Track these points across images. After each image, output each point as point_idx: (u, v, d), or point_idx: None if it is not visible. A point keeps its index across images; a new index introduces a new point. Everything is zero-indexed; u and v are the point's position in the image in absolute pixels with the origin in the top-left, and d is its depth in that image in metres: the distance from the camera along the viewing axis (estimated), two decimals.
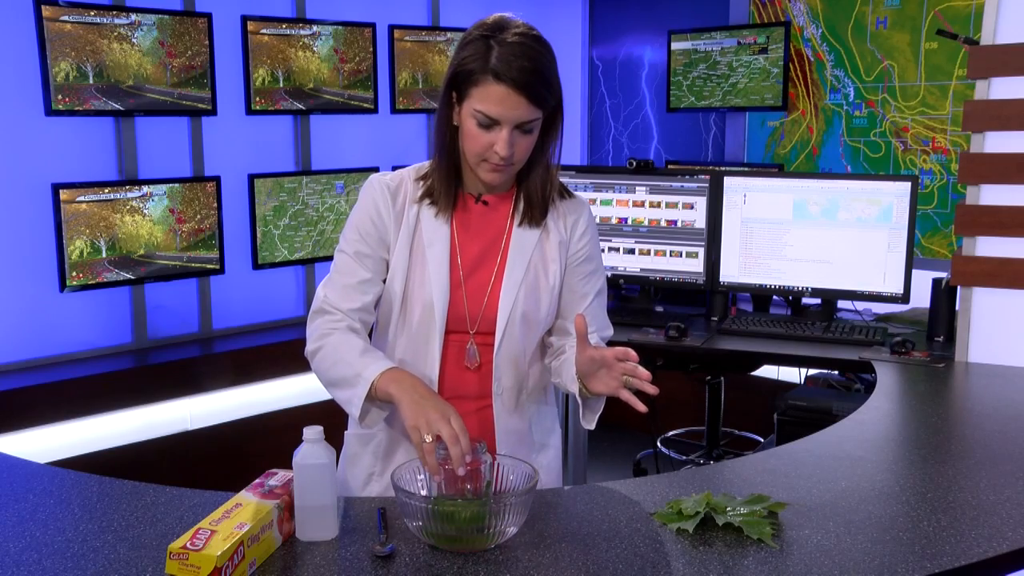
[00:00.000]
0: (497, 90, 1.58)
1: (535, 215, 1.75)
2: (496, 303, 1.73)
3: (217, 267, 3.75)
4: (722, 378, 3.99)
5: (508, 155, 1.62)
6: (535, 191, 1.75)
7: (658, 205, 3.33)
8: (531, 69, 1.58)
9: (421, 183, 1.76)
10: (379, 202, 1.74)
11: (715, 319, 3.26)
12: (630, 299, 3.50)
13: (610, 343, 1.75)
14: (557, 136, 1.73)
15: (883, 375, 2.54)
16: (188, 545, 1.31)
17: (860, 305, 3.27)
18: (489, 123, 1.61)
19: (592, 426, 1.72)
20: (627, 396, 1.55)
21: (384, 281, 1.76)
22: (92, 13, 3.33)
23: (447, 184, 1.73)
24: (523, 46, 1.60)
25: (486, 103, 1.59)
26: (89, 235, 3.39)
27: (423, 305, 1.72)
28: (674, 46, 4.59)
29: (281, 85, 3.87)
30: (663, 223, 3.33)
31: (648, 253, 3.36)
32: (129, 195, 3.47)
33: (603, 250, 3.39)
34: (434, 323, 1.72)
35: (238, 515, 1.40)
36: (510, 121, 1.60)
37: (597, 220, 3.38)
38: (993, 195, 2.59)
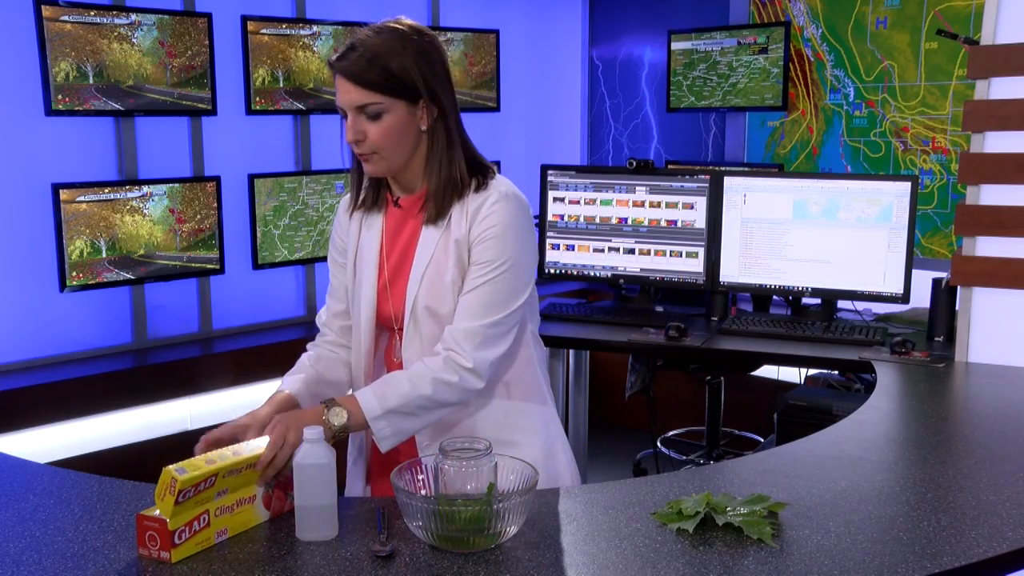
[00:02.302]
0: (336, 79, 1.72)
1: (431, 214, 1.77)
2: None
3: (217, 267, 3.75)
4: (722, 378, 3.99)
5: (352, 140, 1.72)
6: (432, 189, 1.78)
7: (658, 205, 3.33)
8: (357, 54, 1.69)
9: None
10: (341, 214, 1.92)
11: (715, 319, 3.26)
12: (630, 299, 3.49)
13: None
14: (441, 132, 1.76)
15: (883, 375, 2.54)
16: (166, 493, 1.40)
17: (860, 305, 3.27)
18: (343, 113, 1.73)
19: (382, 449, 1.69)
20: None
21: None
22: (92, 13, 3.33)
23: (355, 186, 1.85)
24: (365, 36, 1.71)
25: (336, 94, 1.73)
26: (89, 235, 3.39)
27: (357, 306, 1.86)
28: (674, 46, 4.59)
29: (281, 85, 3.87)
30: (663, 223, 3.33)
31: (648, 253, 3.36)
32: (129, 195, 3.47)
33: (603, 250, 3.40)
34: (363, 322, 1.84)
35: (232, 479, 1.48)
36: (346, 105, 1.71)
37: (597, 220, 3.41)
38: (993, 195, 2.60)
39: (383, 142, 1.71)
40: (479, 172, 1.79)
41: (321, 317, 1.96)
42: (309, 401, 1.80)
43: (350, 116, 1.71)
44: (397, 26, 1.73)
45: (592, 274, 3.44)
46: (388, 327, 1.85)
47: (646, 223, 3.35)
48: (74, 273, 3.36)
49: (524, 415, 1.85)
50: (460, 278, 1.76)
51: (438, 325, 1.76)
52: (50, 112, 3.28)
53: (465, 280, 1.75)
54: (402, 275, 1.81)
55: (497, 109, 4.66)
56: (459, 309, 1.74)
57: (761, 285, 3.23)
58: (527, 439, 1.83)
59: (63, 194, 3.30)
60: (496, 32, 4.55)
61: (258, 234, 3.87)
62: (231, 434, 1.63)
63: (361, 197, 1.86)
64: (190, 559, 1.42)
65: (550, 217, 3.45)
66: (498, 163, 4.66)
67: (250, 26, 3.76)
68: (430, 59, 1.72)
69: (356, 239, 1.87)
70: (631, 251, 3.38)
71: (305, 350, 1.94)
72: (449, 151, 1.76)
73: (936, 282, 2.93)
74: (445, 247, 1.76)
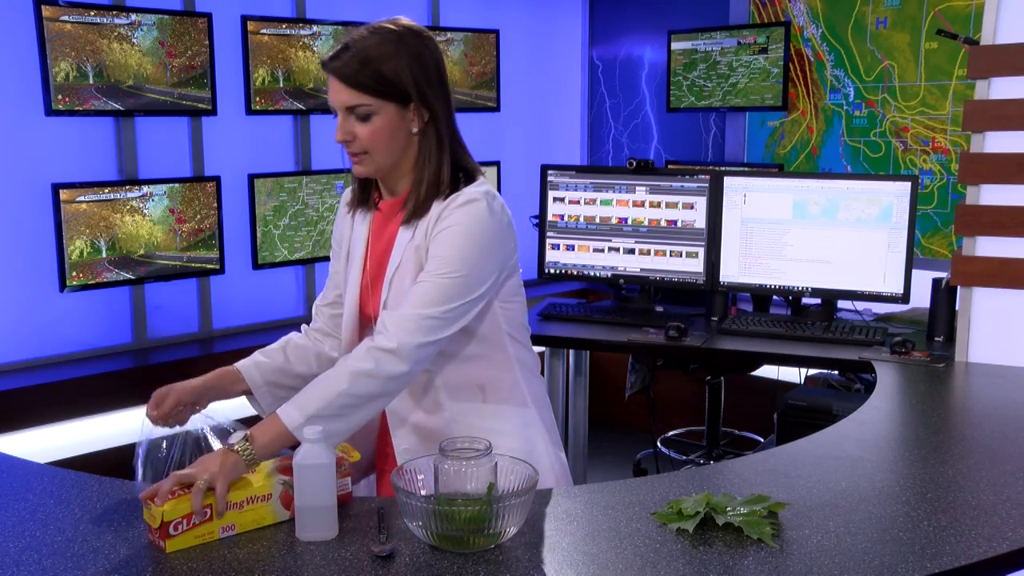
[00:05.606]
0: (328, 79, 1.73)
1: (407, 214, 1.77)
2: None
3: (217, 267, 3.75)
4: (722, 378, 3.99)
5: (340, 139, 1.75)
6: (412, 189, 1.78)
7: (658, 205, 3.33)
8: (350, 55, 1.69)
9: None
10: (342, 206, 1.94)
11: (715, 319, 3.26)
12: (630, 299, 3.49)
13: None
14: (432, 135, 1.75)
15: (883, 375, 2.54)
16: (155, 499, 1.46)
17: (860, 305, 3.27)
18: (334, 112, 1.75)
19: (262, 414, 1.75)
20: None
21: None
22: (92, 13, 3.33)
23: (357, 187, 1.88)
24: (360, 36, 1.70)
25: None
26: (89, 235, 3.39)
27: (347, 300, 1.88)
28: (674, 46, 4.59)
29: (281, 85, 3.87)
30: (663, 223, 3.33)
31: (648, 253, 3.36)
32: (129, 195, 3.47)
33: (603, 250, 3.40)
34: (347, 317, 1.86)
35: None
36: (336, 106, 1.73)
37: (597, 220, 3.40)
38: (993, 195, 2.60)
39: (372, 143, 1.72)
40: (460, 177, 1.77)
41: (317, 302, 2.00)
42: (263, 388, 1.86)
43: (340, 116, 1.73)
44: (392, 27, 1.71)
45: (592, 274, 3.44)
46: (371, 324, 1.85)
47: (646, 223, 3.35)
48: (74, 273, 3.36)
49: (500, 418, 1.82)
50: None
51: None
52: (50, 112, 3.28)
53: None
54: (380, 277, 1.82)
55: (497, 109, 4.66)
56: (404, 299, 1.72)
57: (761, 285, 3.23)
58: (504, 441, 1.77)
59: (63, 194, 3.30)
60: (496, 32, 4.55)
61: (258, 234, 3.87)
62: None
63: (352, 196, 1.90)
64: (190, 560, 1.42)
65: (550, 217, 3.45)
66: (498, 163, 4.66)
67: (250, 26, 3.76)
68: (423, 62, 1.71)
69: (349, 234, 1.90)
70: (631, 251, 3.38)
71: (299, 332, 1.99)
72: (437, 154, 1.75)
73: (936, 282, 2.93)
74: (412, 252, 1.76)
